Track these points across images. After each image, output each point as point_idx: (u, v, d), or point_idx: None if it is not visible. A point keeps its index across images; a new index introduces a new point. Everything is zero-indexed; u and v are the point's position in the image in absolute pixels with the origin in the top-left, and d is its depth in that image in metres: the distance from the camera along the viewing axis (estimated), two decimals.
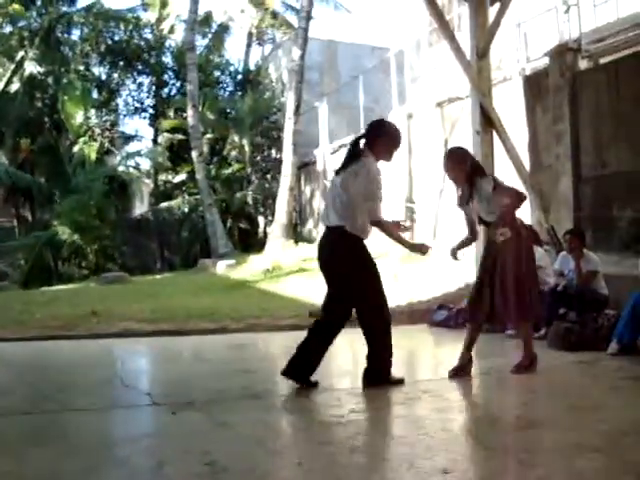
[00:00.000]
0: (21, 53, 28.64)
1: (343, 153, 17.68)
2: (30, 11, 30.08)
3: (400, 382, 5.07)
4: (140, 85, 30.01)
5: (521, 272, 5.44)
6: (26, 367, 6.52)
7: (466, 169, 5.57)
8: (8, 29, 30.72)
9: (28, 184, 24.52)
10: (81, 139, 25.67)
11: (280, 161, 21.76)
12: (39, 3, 30.29)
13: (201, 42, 29.87)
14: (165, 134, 27.13)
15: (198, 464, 3.12)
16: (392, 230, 5.14)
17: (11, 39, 30.23)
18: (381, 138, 5.16)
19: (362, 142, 5.21)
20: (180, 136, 25.47)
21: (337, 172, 5.21)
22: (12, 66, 28.60)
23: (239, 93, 28.89)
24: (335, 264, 5.19)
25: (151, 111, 29.67)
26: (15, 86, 27.61)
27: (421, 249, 5.27)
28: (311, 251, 17.88)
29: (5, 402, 4.75)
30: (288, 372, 5.01)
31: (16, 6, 28.85)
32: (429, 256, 5.65)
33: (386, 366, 5.05)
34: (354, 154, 5.14)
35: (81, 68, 29.67)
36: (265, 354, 7.65)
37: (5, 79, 28.01)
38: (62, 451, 3.47)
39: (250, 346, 7.91)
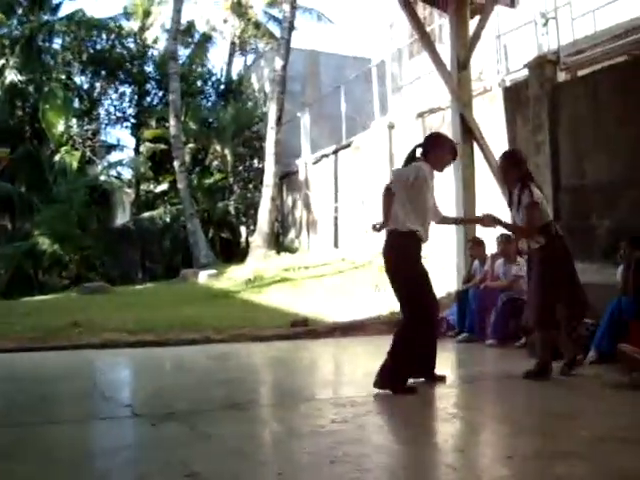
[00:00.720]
0: (2, 61, 28.47)
1: (325, 163, 17.77)
2: (11, 19, 29.93)
3: (411, 391, 5.07)
4: (122, 94, 29.95)
5: (545, 280, 5.55)
6: (3, 379, 6.46)
7: (519, 173, 5.69)
8: None
9: (8, 193, 24.33)
10: (62, 148, 25.53)
11: (262, 171, 21.79)
12: (20, 11, 30.16)
13: (184, 52, 29.91)
14: (147, 144, 27.08)
15: (179, 476, 3.11)
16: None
17: None
18: (437, 149, 5.44)
19: (419, 151, 5.47)
20: (162, 146, 25.43)
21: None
22: None
23: (221, 103, 28.90)
24: (394, 267, 5.26)
25: (133, 120, 29.60)
26: None
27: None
28: (293, 260, 17.98)
29: None
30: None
31: None
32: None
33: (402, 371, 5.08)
34: (410, 161, 5.38)
35: (63, 77, 29.53)
36: (247, 364, 7.64)
37: None
38: (41, 465, 3.45)
39: (232, 356, 7.90)
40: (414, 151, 5.48)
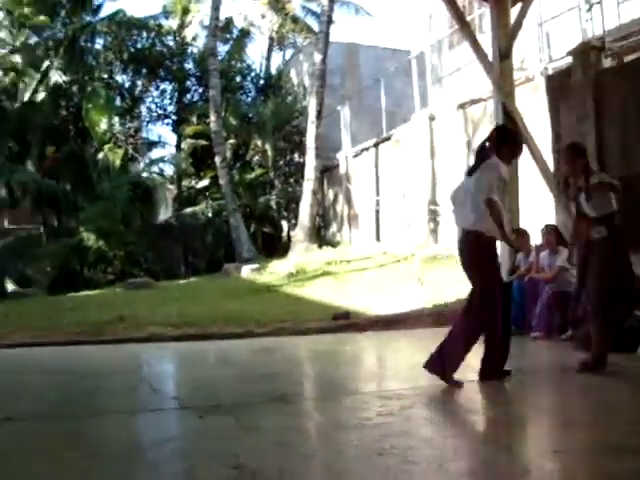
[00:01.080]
0: (46, 63, 28.99)
1: (365, 156, 17.66)
2: (55, 21, 30.47)
3: (457, 384, 5.04)
4: (163, 92, 30.24)
5: (604, 271, 5.48)
6: (55, 372, 6.59)
7: (582, 163, 5.66)
8: (34, 39, 31.15)
9: (54, 191, 24.79)
10: (105, 146, 25.92)
11: (303, 165, 21.81)
12: (63, 13, 30.67)
13: (223, 48, 30.02)
14: (188, 140, 27.34)
15: (226, 468, 3.13)
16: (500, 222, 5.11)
17: (37, 49, 30.65)
18: (506, 144, 5.38)
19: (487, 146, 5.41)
20: (203, 142, 25.62)
21: (469, 173, 5.33)
22: (38, 76, 28.98)
23: (261, 98, 28.99)
24: (472, 265, 5.25)
25: (174, 117, 29.88)
26: (41, 95, 27.97)
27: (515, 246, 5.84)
28: (335, 254, 17.97)
29: (36, 406, 4.81)
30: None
31: (42, 17, 29.26)
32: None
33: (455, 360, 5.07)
34: (482, 157, 5.30)
35: (105, 76, 29.97)
36: (291, 357, 7.66)
37: (31, 89, 28.39)
38: (93, 455, 3.50)
39: (276, 350, 7.93)
40: (483, 146, 5.41)
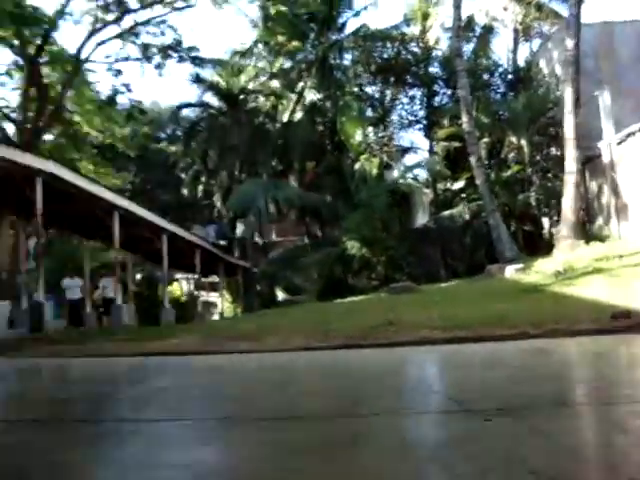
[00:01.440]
0: (301, 84, 30.80)
1: (632, 142, 16.47)
2: (305, 45, 32.28)
3: None
4: (412, 98, 30.69)
5: None
6: (332, 373, 6.87)
7: None
8: (288, 64, 33.28)
9: (316, 203, 26.15)
10: (361, 156, 26.87)
11: (561, 158, 20.82)
12: (312, 36, 32.37)
13: (467, 47, 29.74)
14: (441, 143, 27.42)
15: (523, 472, 3.02)
16: None
17: (291, 73, 32.68)
18: None
19: None
20: (456, 143, 25.54)
21: None
22: (294, 97, 30.85)
23: (511, 93, 28.25)
24: None
25: (425, 122, 30.14)
26: (298, 114, 29.77)
27: None
28: (604, 249, 16.86)
29: (316, 405, 5.03)
30: None
31: (294, 43, 31.16)
32: None
33: None
34: None
35: (355, 89, 31.10)
36: (567, 360, 7.28)
37: (289, 109, 30.33)
38: (383, 452, 3.57)
39: (552, 351, 7.58)
40: None
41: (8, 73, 27.16)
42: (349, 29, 32.34)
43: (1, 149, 12.78)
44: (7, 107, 27.65)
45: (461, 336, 8.80)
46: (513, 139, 25.12)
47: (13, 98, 27.70)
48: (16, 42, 24.71)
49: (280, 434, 4.13)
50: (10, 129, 26.46)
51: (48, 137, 27.15)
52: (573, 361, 7.19)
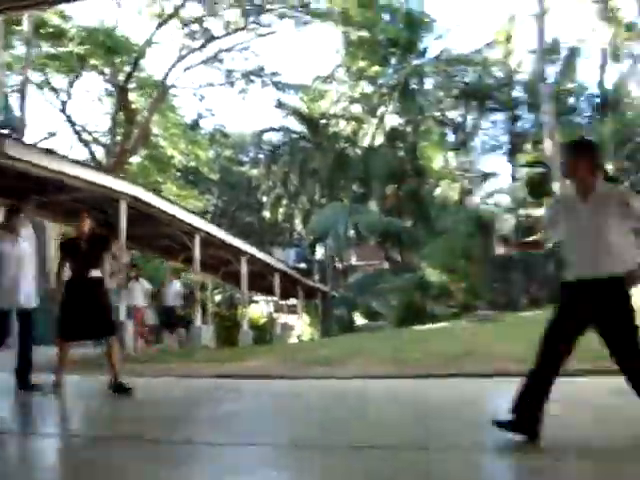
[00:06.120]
0: (382, 109, 30.87)
1: None
2: (386, 69, 32.40)
3: None
4: (494, 123, 30.39)
5: None
6: (410, 404, 6.74)
7: None
8: (370, 89, 33.46)
9: (397, 229, 26.04)
10: (442, 182, 26.64)
11: None
12: (394, 61, 32.48)
13: (552, 69, 29.18)
14: (523, 169, 26.91)
15: None
16: None
17: (373, 97, 32.82)
18: None
19: None
20: (539, 169, 25.01)
21: None
22: (375, 121, 30.93)
23: (598, 117, 27.48)
24: None
25: (507, 147, 29.70)
26: (379, 139, 29.81)
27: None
28: None
29: (392, 435, 4.93)
30: None
31: (375, 68, 31.32)
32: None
33: None
34: None
35: (436, 114, 30.98)
36: None
37: (370, 134, 30.41)
38: None
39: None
40: None
41: (99, 99, 28.30)
42: (431, 53, 32.34)
43: (89, 172, 13.22)
44: (97, 131, 28.78)
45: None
46: None
47: (103, 123, 28.81)
48: (107, 70, 25.73)
49: (351, 463, 4.07)
50: (99, 152, 27.49)
51: (134, 159, 28.03)
52: None
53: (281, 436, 5.13)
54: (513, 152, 29.15)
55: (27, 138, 19.18)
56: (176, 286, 18.15)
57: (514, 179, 28.35)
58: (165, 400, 7.29)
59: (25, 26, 20.12)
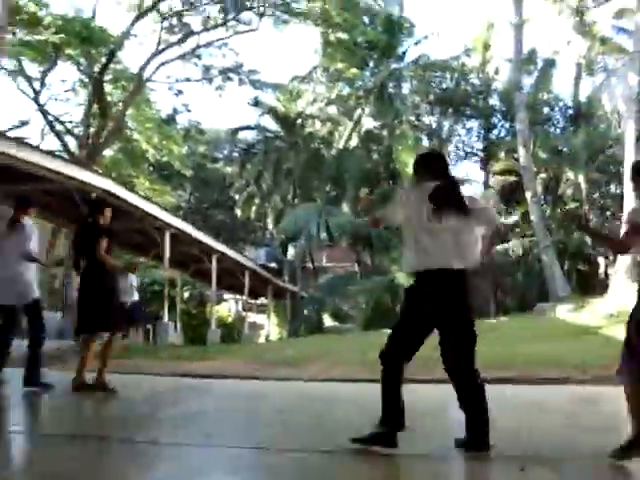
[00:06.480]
0: (358, 111, 30.91)
1: None
2: (364, 72, 32.45)
3: None
4: (469, 130, 30.56)
5: None
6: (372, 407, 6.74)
7: None
8: (346, 91, 33.50)
9: (368, 232, 26.07)
10: None
11: (621, 197, 20.35)
12: (371, 64, 32.55)
13: (527, 80, 29.47)
14: (496, 176, 27.13)
15: None
16: None
17: (349, 99, 32.87)
18: None
19: None
20: (512, 177, 25.24)
21: None
22: (350, 124, 30.97)
23: (571, 128, 27.83)
24: None
25: (481, 154, 29.91)
26: (354, 141, 29.86)
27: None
28: None
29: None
30: None
31: (353, 70, 31.35)
32: None
33: None
34: None
35: (412, 119, 31.07)
36: (618, 410, 6.99)
37: (345, 136, 30.45)
38: None
39: (599, 401, 7.30)
40: None
41: (74, 90, 27.97)
42: (409, 58, 32.46)
43: (60, 164, 13.06)
44: (70, 122, 28.45)
45: (504, 376, 8.52)
46: (571, 175, 24.72)
47: (76, 114, 28.48)
48: (82, 60, 25.43)
49: (310, 465, 4.07)
50: (72, 143, 27.16)
51: (107, 152, 27.75)
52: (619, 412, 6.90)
53: (246, 439, 5.10)
54: (487, 159, 29.38)
55: None
56: (131, 280, 17.91)
57: (487, 186, 28.57)
58: (130, 398, 7.21)
59: None
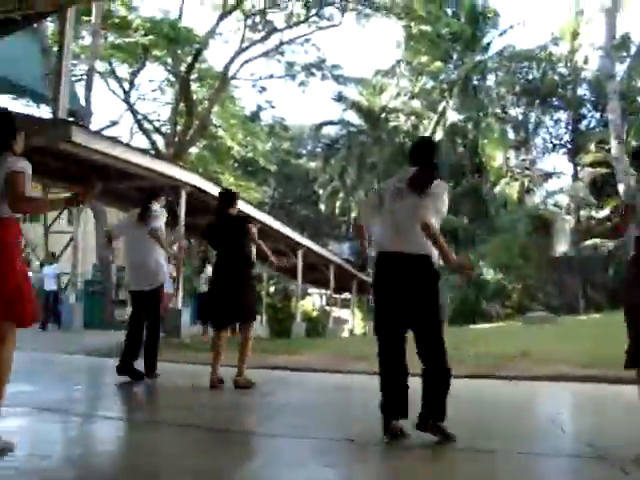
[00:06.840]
0: (442, 104, 30.55)
1: None
2: (448, 65, 32.04)
3: None
4: (557, 121, 29.79)
5: None
6: (465, 404, 6.66)
7: None
8: (430, 84, 33.16)
9: (453, 225, 25.76)
10: (502, 180, 26.24)
11: None
12: (455, 57, 32.11)
13: (619, 67, 28.39)
14: (586, 169, 26.32)
15: None
16: None
17: (433, 93, 32.53)
18: None
19: None
20: (603, 169, 24.41)
21: None
22: (435, 117, 30.63)
23: None
24: None
25: (570, 146, 29.07)
26: (438, 135, 29.51)
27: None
28: None
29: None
30: None
31: (437, 63, 31.00)
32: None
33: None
34: None
35: (498, 111, 30.50)
36: None
37: (430, 130, 30.13)
38: None
39: None
40: None
41: (161, 89, 28.73)
42: (494, 49, 31.84)
43: (151, 161, 13.44)
44: (158, 120, 29.23)
45: (597, 375, 8.24)
46: None
47: (163, 112, 29.25)
48: (169, 61, 26.09)
49: (398, 462, 4.06)
50: (159, 141, 27.91)
51: (193, 150, 28.36)
52: None
53: (335, 430, 5.12)
54: (576, 151, 28.48)
55: (92, 126, 19.61)
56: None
57: (576, 179, 27.73)
58: (226, 390, 7.32)
59: (93, 17, 20.50)
